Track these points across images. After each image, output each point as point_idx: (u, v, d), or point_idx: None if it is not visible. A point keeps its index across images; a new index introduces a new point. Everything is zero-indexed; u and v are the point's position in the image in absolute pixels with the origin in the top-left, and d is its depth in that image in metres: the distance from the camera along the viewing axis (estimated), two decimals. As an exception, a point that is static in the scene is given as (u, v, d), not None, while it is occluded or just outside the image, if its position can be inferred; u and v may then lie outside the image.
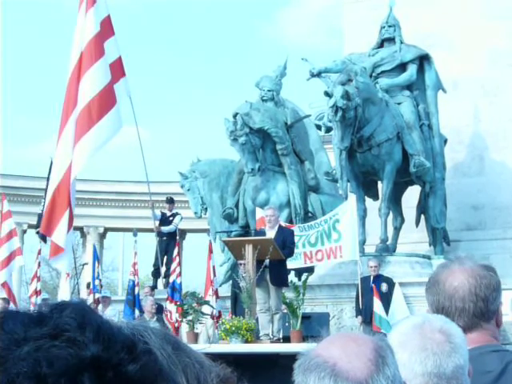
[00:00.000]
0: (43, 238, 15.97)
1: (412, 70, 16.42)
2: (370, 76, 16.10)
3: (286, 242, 11.71)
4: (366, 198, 16.07)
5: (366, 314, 13.51)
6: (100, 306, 15.25)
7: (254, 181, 16.40)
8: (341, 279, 14.97)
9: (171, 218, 18.75)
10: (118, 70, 13.18)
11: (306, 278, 12.13)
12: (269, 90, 16.93)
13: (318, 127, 23.74)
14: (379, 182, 16.03)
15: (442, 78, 16.55)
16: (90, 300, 15.31)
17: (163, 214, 18.87)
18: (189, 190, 18.48)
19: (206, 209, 18.43)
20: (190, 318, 11.89)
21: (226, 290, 15.21)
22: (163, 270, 17.61)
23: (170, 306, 13.74)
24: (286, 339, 11.35)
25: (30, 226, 31.32)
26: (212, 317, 12.76)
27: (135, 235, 15.55)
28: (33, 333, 0.82)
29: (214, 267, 13.88)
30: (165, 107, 68.95)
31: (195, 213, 18.58)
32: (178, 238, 16.61)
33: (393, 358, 1.49)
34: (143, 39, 67.80)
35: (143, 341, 1.06)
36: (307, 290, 11.71)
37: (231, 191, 17.31)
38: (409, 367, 1.96)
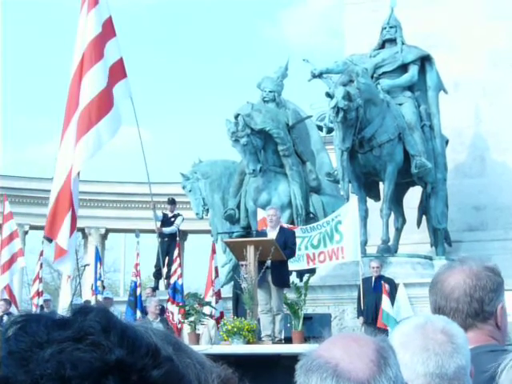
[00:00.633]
0: (49, 239, 16.00)
1: (413, 70, 16.41)
2: (372, 77, 16.09)
3: (287, 243, 11.71)
4: (367, 198, 16.06)
5: (367, 314, 13.51)
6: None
7: (256, 182, 16.40)
8: (342, 280, 14.96)
9: (173, 219, 18.75)
10: (119, 71, 13.19)
11: (308, 279, 12.13)
12: (270, 91, 16.93)
13: (320, 128, 23.74)
14: (381, 183, 16.02)
15: (443, 79, 16.55)
16: (92, 301, 15.34)
17: (165, 215, 18.87)
18: (190, 190, 18.49)
19: (208, 210, 18.43)
20: (191, 319, 11.89)
21: (227, 291, 15.21)
22: (165, 271, 17.61)
23: (172, 307, 13.74)
24: (288, 340, 11.36)
25: (32, 227, 31.39)
26: (211, 317, 12.76)
27: (137, 236, 15.57)
28: (56, 335, 0.82)
29: (216, 268, 13.87)
30: (166, 108, 69.03)
31: (197, 214, 18.58)
32: (178, 239, 16.62)
33: (395, 358, 1.49)
34: (144, 40, 67.87)
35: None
36: (309, 290, 11.71)
37: (233, 192, 17.31)
38: (411, 368, 1.95)
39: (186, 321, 12.11)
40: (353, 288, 14.34)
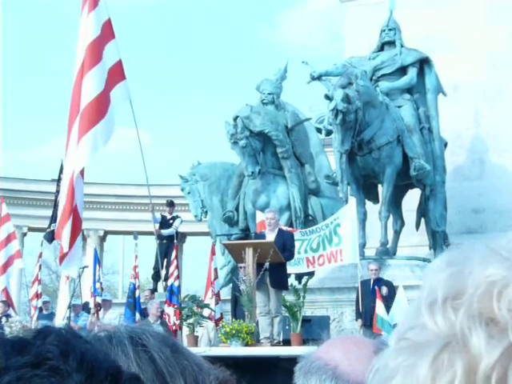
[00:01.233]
0: (49, 239, 16.02)
1: (412, 73, 16.43)
2: (371, 79, 16.11)
3: (286, 245, 11.71)
4: (366, 201, 16.06)
5: (366, 317, 13.50)
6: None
7: (255, 184, 16.41)
8: (341, 282, 14.96)
9: (171, 221, 18.74)
10: (118, 73, 13.18)
11: (307, 281, 12.13)
12: (269, 93, 16.95)
13: (319, 130, 23.73)
14: (379, 186, 16.03)
15: (442, 82, 16.56)
16: (91, 303, 15.34)
17: (163, 217, 18.86)
18: (189, 193, 18.50)
19: (207, 212, 18.44)
20: (190, 320, 11.88)
21: (226, 293, 15.20)
22: (163, 273, 17.60)
23: (168, 310, 13.73)
24: (287, 342, 11.35)
25: (31, 229, 31.36)
26: (210, 318, 12.74)
27: (136, 238, 15.56)
28: (14, 361, 0.79)
29: (215, 269, 13.85)
30: (165, 110, 69.01)
31: (195, 216, 18.58)
32: (175, 241, 16.61)
33: (393, 360, 1.48)
34: (144, 42, 67.86)
35: (141, 343, 1.05)
36: (307, 293, 11.71)
37: (231, 194, 17.32)
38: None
39: (184, 323, 12.10)
40: (351, 290, 14.34)
